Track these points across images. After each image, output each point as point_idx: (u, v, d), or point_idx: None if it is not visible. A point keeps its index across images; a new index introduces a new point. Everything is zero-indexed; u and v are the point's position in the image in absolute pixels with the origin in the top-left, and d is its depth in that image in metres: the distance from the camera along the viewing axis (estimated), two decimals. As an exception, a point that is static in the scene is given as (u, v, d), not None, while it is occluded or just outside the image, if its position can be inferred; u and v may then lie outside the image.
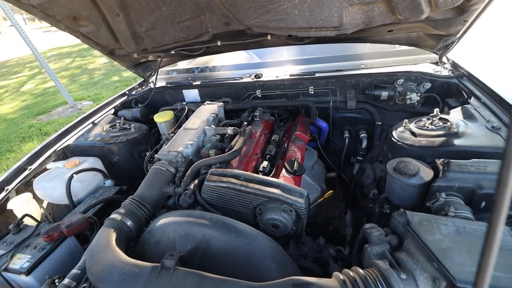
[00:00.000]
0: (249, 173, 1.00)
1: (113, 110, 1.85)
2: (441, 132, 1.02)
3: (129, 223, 0.96)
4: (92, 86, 6.57)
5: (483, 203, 0.81)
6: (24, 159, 1.39)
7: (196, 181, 1.04)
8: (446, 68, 1.54)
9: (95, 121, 1.69)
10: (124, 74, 7.23)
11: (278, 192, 0.93)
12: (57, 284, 0.84)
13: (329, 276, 0.79)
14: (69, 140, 1.55)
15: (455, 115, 1.15)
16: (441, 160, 0.90)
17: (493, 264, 0.26)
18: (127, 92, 2.02)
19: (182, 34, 1.50)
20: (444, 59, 1.60)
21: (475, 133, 1.00)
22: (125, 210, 0.98)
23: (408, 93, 1.39)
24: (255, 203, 0.96)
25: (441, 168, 0.87)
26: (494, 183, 0.76)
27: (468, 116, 1.12)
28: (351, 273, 0.67)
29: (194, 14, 1.36)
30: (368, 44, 1.60)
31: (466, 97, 1.29)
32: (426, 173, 0.90)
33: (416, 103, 1.40)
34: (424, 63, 1.64)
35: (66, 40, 13.26)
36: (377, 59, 1.70)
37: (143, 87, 2.15)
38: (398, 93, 1.44)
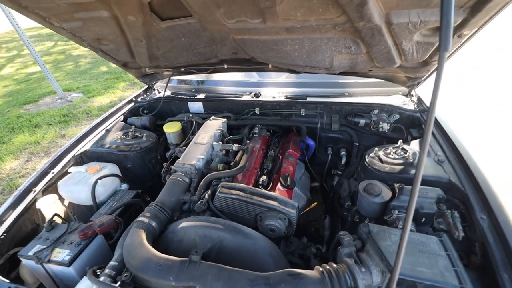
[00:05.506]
0: (253, 187, 1.26)
1: (122, 117, 2.02)
2: (401, 161, 1.34)
3: (154, 224, 1.18)
4: (79, 75, 6.46)
5: (423, 219, 1.13)
6: (48, 163, 1.55)
7: (209, 191, 1.29)
8: (413, 102, 1.87)
9: (108, 128, 1.86)
10: (112, 65, 7.13)
11: (276, 204, 1.20)
12: (98, 273, 1.05)
13: (311, 268, 1.07)
14: (85, 146, 1.72)
15: (414, 146, 1.47)
16: (398, 184, 1.21)
17: (402, 256, 0.52)
18: (134, 99, 2.19)
19: (194, 58, 1.70)
20: (412, 92, 1.93)
21: (425, 164, 1.32)
22: (150, 213, 1.20)
23: (381, 122, 1.70)
24: (257, 212, 1.22)
25: (397, 191, 1.18)
26: (432, 205, 1.08)
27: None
28: (327, 267, 0.95)
29: (208, 44, 1.58)
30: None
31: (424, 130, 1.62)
32: (386, 194, 1.21)
33: (386, 131, 1.72)
34: (396, 94, 1.97)
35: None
36: (359, 88, 2.00)
37: (148, 93, 2.32)
38: (373, 121, 1.76)
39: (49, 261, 1.14)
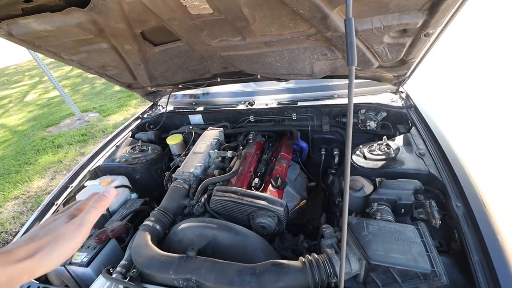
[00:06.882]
0: (244, 189, 1.38)
1: (130, 133, 2.21)
2: (383, 157, 1.41)
3: (158, 227, 1.33)
4: (95, 96, 6.89)
5: (402, 210, 1.20)
6: (66, 178, 1.75)
7: (206, 195, 1.42)
8: (402, 98, 1.92)
9: (118, 144, 2.05)
10: (125, 84, 7.55)
11: (265, 203, 1.31)
12: (111, 271, 1.20)
13: (300, 261, 1.15)
14: (99, 161, 1.91)
15: (398, 141, 1.54)
16: (379, 178, 1.28)
17: (346, 236, 0.62)
18: (140, 116, 2.39)
19: (189, 74, 1.87)
20: (401, 89, 1.99)
21: (406, 158, 1.39)
22: (155, 218, 1.35)
23: (368, 121, 1.77)
24: (249, 211, 1.33)
25: (377, 185, 1.25)
26: (409, 196, 1.16)
27: (406, 143, 1.51)
28: (309, 257, 1.04)
29: (199, 62, 1.73)
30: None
31: (410, 125, 1.68)
32: (368, 188, 1.28)
33: (374, 128, 1.79)
34: (385, 92, 2.03)
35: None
36: (347, 89, 2.07)
37: (153, 109, 2.51)
38: (360, 120, 1.83)
39: (70, 263, 1.31)
